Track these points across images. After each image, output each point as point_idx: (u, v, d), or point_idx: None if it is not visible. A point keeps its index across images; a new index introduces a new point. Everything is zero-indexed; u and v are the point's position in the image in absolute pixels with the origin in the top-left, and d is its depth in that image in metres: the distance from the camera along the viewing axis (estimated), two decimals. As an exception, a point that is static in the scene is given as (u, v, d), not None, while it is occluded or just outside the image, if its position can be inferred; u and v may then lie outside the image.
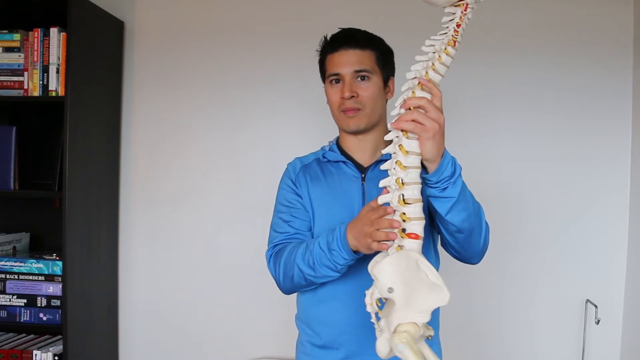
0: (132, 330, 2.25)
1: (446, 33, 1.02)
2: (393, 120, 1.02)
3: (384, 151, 1.05)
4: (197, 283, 2.21)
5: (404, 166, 0.99)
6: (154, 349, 2.24)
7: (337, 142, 1.37)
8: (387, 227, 1.00)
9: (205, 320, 2.21)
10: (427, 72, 1.01)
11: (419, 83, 1.01)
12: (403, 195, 0.98)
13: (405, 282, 0.95)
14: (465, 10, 1.01)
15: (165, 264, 2.23)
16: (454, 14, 1.02)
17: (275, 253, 1.28)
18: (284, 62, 2.16)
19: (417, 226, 0.98)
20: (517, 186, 2.08)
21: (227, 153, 2.20)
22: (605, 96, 2.03)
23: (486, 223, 1.22)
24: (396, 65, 1.34)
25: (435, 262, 1.32)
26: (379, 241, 1.01)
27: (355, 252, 1.10)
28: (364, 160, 1.31)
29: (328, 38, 1.31)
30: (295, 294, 1.36)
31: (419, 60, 1.03)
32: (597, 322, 1.96)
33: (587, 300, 2.02)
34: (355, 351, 1.25)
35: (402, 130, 1.00)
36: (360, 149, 1.31)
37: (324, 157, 1.34)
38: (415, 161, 1.00)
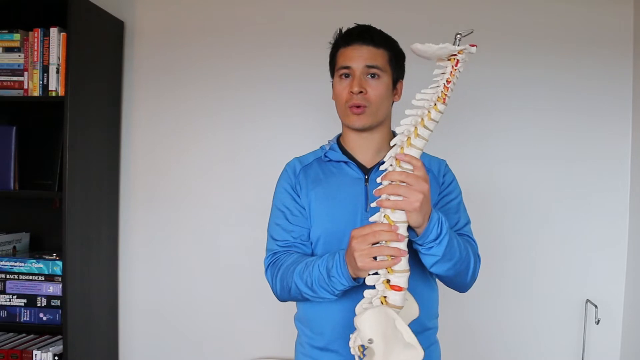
0: (132, 330, 2.25)
1: (437, 87, 1.01)
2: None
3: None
4: (197, 283, 2.21)
5: (392, 221, 1.01)
6: (154, 349, 2.24)
7: (338, 140, 1.35)
8: (377, 240, 1.01)
9: (205, 320, 2.21)
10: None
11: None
12: None
13: (384, 336, 0.98)
14: (456, 65, 0.99)
15: (165, 263, 2.23)
16: (445, 67, 1.00)
17: (273, 262, 1.27)
18: (284, 61, 2.16)
19: (401, 279, 1.01)
20: (517, 186, 2.08)
21: (227, 153, 2.20)
22: (605, 96, 2.03)
23: (477, 258, 1.23)
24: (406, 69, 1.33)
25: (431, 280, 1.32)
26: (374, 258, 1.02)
27: (355, 278, 1.09)
28: (367, 160, 1.29)
29: (343, 31, 1.29)
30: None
31: (408, 114, 1.02)
32: (597, 322, 1.96)
33: (587, 300, 2.02)
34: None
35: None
36: (363, 148, 1.30)
37: (325, 156, 1.32)
38: (402, 217, 1.01)
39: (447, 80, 0.99)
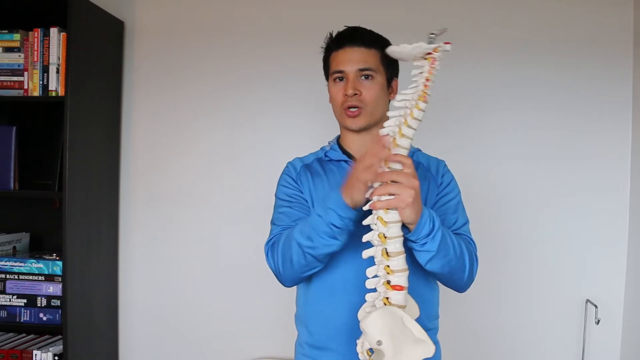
0: (132, 330, 2.25)
1: (416, 86, 1.02)
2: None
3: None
4: (197, 283, 2.21)
5: (385, 222, 1.01)
6: (154, 349, 2.24)
7: (338, 141, 1.37)
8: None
9: (205, 321, 2.21)
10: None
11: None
12: (386, 249, 1.01)
13: (393, 335, 0.98)
14: (433, 64, 1.01)
15: (165, 263, 2.23)
16: (422, 66, 1.02)
17: (272, 244, 1.25)
18: (284, 61, 2.16)
19: (401, 278, 1.01)
20: (516, 186, 2.08)
21: (227, 153, 2.20)
22: (605, 96, 2.03)
23: (474, 257, 1.22)
24: (400, 67, 1.34)
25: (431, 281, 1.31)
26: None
27: (354, 210, 1.07)
28: None
29: (333, 35, 1.31)
30: (296, 293, 1.36)
31: (391, 116, 1.04)
32: (597, 322, 1.96)
33: (587, 300, 2.02)
34: (354, 352, 1.24)
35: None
36: (362, 147, 1.29)
37: (325, 155, 1.34)
38: (396, 216, 1.02)
39: (425, 79, 1.01)
